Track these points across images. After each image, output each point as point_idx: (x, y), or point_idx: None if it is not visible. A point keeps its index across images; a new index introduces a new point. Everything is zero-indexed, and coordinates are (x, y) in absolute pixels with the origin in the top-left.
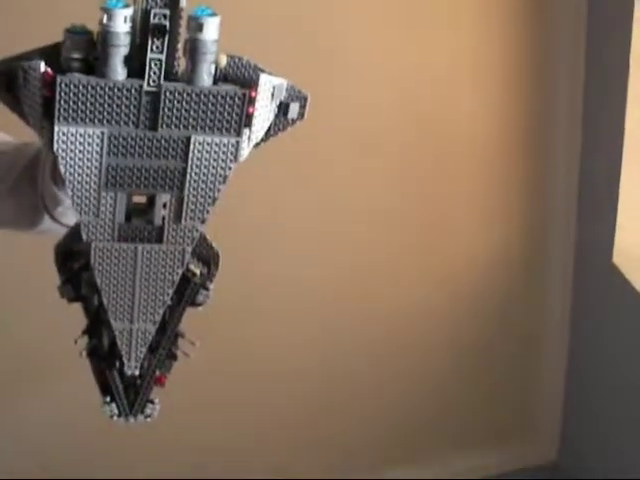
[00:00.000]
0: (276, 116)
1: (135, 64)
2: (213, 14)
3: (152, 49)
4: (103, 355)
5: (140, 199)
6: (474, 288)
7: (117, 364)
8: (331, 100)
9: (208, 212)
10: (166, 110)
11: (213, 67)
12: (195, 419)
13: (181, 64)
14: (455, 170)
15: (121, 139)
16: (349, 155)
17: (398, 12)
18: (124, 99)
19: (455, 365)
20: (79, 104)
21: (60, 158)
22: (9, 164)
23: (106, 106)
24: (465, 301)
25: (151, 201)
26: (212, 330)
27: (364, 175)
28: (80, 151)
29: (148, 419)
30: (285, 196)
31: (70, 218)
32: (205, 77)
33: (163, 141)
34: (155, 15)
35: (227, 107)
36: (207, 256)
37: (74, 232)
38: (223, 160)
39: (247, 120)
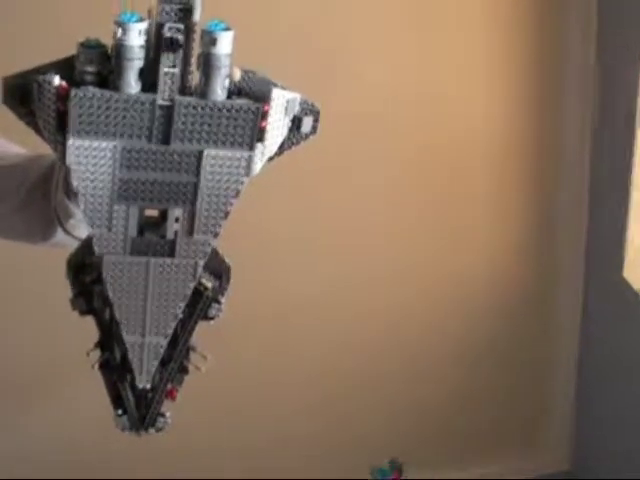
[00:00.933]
0: (289, 130)
1: (149, 77)
2: (227, 28)
3: (166, 63)
4: (115, 368)
5: (152, 212)
6: (485, 298)
7: (129, 377)
8: (342, 106)
9: (220, 226)
10: (179, 124)
11: (227, 81)
12: (202, 424)
13: (194, 78)
14: (466, 179)
15: (134, 153)
16: (363, 159)
17: (408, 16)
18: (137, 113)
19: (467, 373)
20: (93, 117)
21: (73, 171)
22: (22, 176)
23: (120, 119)
24: (476, 311)
25: (163, 215)
26: (222, 342)
27: (378, 179)
28: (93, 164)
29: (159, 432)
30: (300, 204)
31: (82, 231)
32: (219, 91)
33: (176, 155)
34: (169, 29)
35: (240, 121)
36: (219, 270)
37: (86, 245)
38: (235, 174)
39: (260, 134)
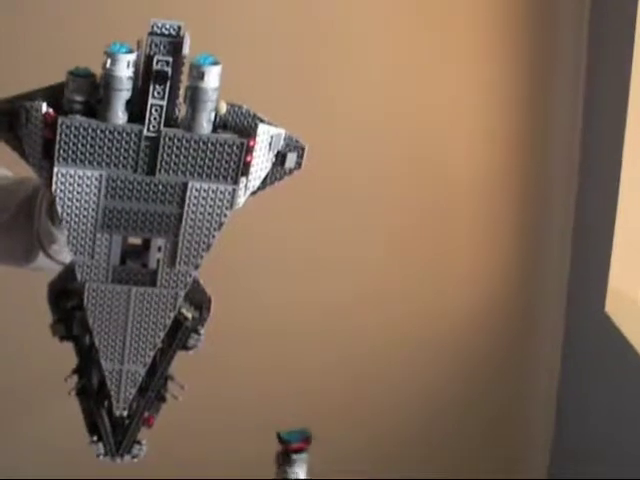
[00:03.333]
0: (273, 165)
1: (136, 108)
2: (215, 62)
3: (153, 95)
4: (92, 395)
5: (135, 240)
6: (464, 332)
7: (106, 404)
8: (329, 141)
9: (202, 257)
10: (165, 156)
11: (213, 114)
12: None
13: (181, 109)
14: (451, 211)
15: (119, 182)
16: (347, 199)
17: (395, 54)
18: (124, 143)
19: (444, 406)
20: (79, 146)
21: (58, 198)
22: (6, 200)
23: (105, 149)
24: (453, 346)
25: (146, 243)
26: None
27: (366, 206)
28: (78, 192)
29: (135, 459)
30: (288, 232)
31: (65, 256)
32: (204, 124)
33: (160, 186)
34: (158, 62)
35: (225, 155)
36: (199, 300)
37: (68, 271)
38: (219, 207)
39: (244, 168)
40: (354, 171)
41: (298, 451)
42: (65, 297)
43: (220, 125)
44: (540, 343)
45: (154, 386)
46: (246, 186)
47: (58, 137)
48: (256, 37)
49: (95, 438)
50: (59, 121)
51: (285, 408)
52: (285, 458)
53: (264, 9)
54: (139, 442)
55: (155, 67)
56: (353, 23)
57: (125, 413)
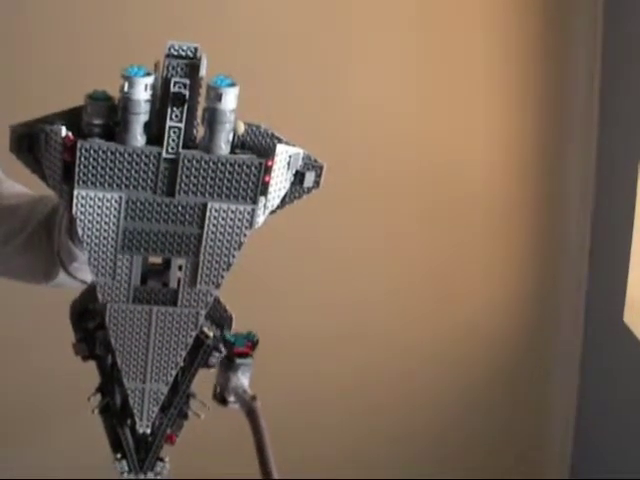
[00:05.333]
0: (292, 184)
1: (154, 130)
2: (232, 84)
3: (171, 117)
4: (115, 413)
5: (156, 260)
6: (482, 342)
7: (129, 421)
8: (341, 154)
9: (223, 277)
10: (184, 177)
11: (231, 135)
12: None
13: (199, 130)
14: (466, 227)
15: (139, 204)
16: (363, 205)
17: (407, 64)
18: (143, 165)
19: (460, 415)
20: (99, 169)
21: (79, 221)
22: (25, 218)
23: (125, 171)
24: (475, 354)
25: (167, 263)
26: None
27: (377, 227)
28: (98, 214)
29: (158, 476)
30: (299, 248)
31: (85, 273)
32: (223, 145)
33: (180, 207)
34: (175, 84)
35: (244, 175)
36: (220, 319)
37: (90, 291)
38: (238, 227)
39: (263, 188)
40: (366, 179)
41: (243, 355)
42: (87, 317)
43: (238, 145)
44: (559, 353)
45: (176, 404)
46: (265, 205)
47: (78, 160)
48: (266, 51)
49: (119, 455)
50: (78, 145)
51: (300, 418)
52: (228, 363)
53: (277, 25)
54: (162, 459)
55: (172, 89)
56: (363, 31)
57: (148, 431)
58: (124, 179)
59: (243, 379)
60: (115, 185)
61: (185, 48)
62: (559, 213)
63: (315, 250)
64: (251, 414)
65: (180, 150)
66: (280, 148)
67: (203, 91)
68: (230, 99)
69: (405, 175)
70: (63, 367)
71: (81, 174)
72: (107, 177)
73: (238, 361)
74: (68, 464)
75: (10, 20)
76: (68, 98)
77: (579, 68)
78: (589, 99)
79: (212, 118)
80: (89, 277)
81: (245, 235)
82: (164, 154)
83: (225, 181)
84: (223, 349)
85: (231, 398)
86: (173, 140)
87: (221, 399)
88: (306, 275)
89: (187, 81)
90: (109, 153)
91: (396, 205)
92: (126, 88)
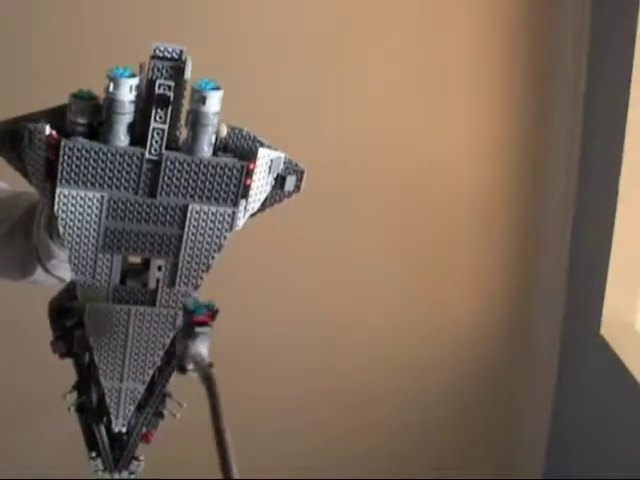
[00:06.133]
0: (273, 188)
1: (138, 130)
2: (216, 87)
3: (155, 119)
4: (91, 411)
5: (135, 259)
6: (462, 347)
7: (104, 420)
8: (333, 152)
9: (202, 278)
10: (166, 178)
11: (213, 138)
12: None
13: (182, 132)
14: (451, 236)
15: (120, 204)
16: (351, 205)
17: (397, 74)
18: (125, 165)
19: (443, 414)
20: (81, 168)
21: (60, 219)
22: (4, 214)
23: (107, 171)
24: (451, 360)
25: (146, 263)
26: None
27: (363, 230)
28: (80, 213)
29: (132, 475)
30: (285, 254)
31: (62, 271)
32: (205, 148)
33: (161, 208)
34: (160, 86)
35: (225, 178)
36: None
37: (68, 290)
38: (219, 229)
39: (244, 191)
40: (355, 179)
41: (202, 324)
42: (65, 315)
43: (220, 147)
44: (536, 365)
45: (153, 403)
46: (245, 208)
47: (61, 159)
48: (258, 52)
49: (94, 454)
50: (62, 143)
51: (289, 416)
52: (188, 331)
53: (268, 28)
54: (137, 458)
55: (157, 91)
56: (354, 36)
57: (124, 429)
58: (107, 179)
59: (202, 347)
60: (97, 184)
61: (170, 50)
62: (540, 222)
63: (305, 249)
64: (208, 380)
65: (163, 151)
66: (262, 152)
67: (187, 93)
68: (214, 102)
69: (390, 176)
70: (39, 364)
71: (64, 173)
72: (90, 176)
73: (197, 329)
74: (43, 463)
75: None
76: (52, 97)
77: (565, 69)
78: (574, 100)
79: (195, 120)
80: (67, 275)
81: (225, 237)
82: (147, 155)
83: (207, 183)
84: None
85: (189, 366)
86: (156, 141)
87: (180, 367)
88: (296, 274)
89: (172, 83)
90: (92, 152)
91: (382, 205)
92: (111, 88)
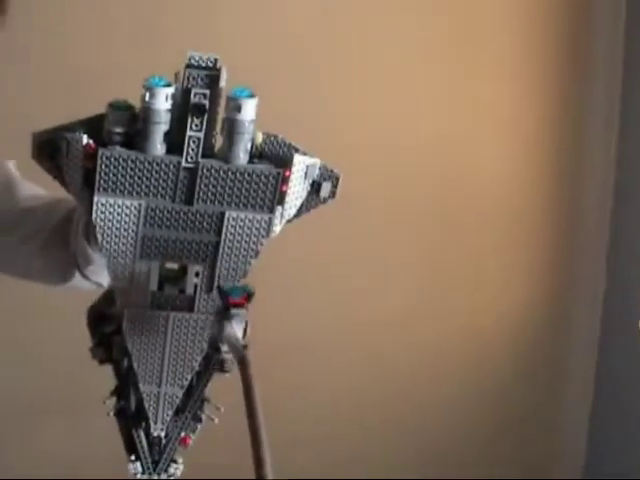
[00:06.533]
0: (308, 194)
1: (174, 139)
2: (251, 95)
3: (191, 127)
4: (130, 416)
5: (172, 265)
6: (500, 345)
7: (143, 424)
8: (353, 166)
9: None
10: (202, 186)
11: (249, 145)
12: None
13: (218, 139)
14: (481, 230)
15: (157, 211)
16: (374, 215)
17: (413, 73)
18: (162, 174)
19: (475, 423)
20: (119, 176)
21: (98, 227)
22: (42, 221)
23: (144, 179)
24: (490, 358)
25: (183, 269)
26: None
27: (388, 234)
28: (117, 221)
29: (171, 478)
30: (309, 258)
31: (100, 276)
32: (241, 155)
33: (198, 215)
34: (195, 94)
35: (262, 185)
36: None
37: (107, 297)
38: (255, 236)
39: (280, 198)
40: (375, 183)
41: (237, 306)
42: (104, 322)
43: (256, 155)
44: (575, 356)
45: (191, 407)
46: (282, 215)
47: (98, 168)
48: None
49: (133, 457)
50: (99, 153)
51: (301, 419)
52: (223, 313)
53: (285, 32)
54: (176, 461)
55: (193, 100)
56: (380, 41)
57: (163, 434)
58: (144, 187)
59: (237, 329)
60: (135, 193)
61: (205, 59)
62: (576, 217)
63: (323, 253)
64: (242, 362)
65: (199, 159)
66: (297, 158)
67: (222, 101)
68: (249, 110)
69: (418, 179)
70: (76, 369)
71: (101, 181)
72: (127, 185)
73: (233, 311)
74: (68, 463)
75: (33, 26)
76: (87, 106)
77: (598, 68)
78: (609, 100)
79: (231, 128)
80: (104, 280)
81: (262, 244)
82: (184, 163)
83: (243, 190)
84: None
85: (224, 347)
86: (192, 149)
87: (214, 348)
88: (313, 278)
89: (207, 92)
90: (129, 161)
91: (411, 209)
92: (147, 98)
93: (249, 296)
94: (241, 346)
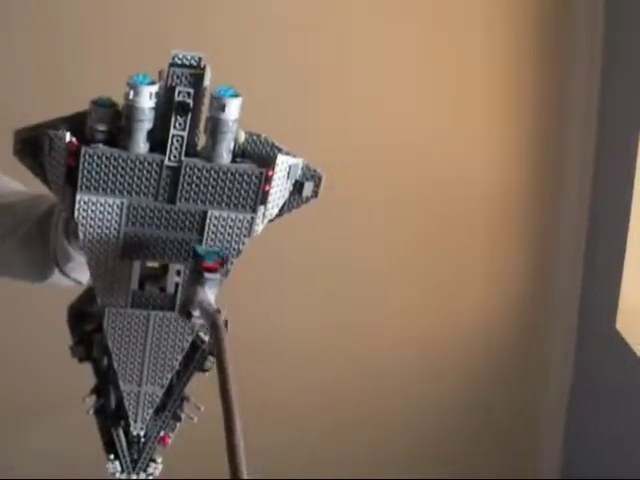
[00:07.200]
0: (290, 194)
1: (157, 137)
2: (235, 94)
3: (175, 126)
4: (109, 414)
5: (153, 264)
6: (476, 347)
7: (122, 423)
8: (346, 158)
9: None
10: (185, 185)
11: (232, 144)
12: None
13: (201, 138)
14: (459, 231)
15: (140, 210)
16: (365, 213)
17: (406, 71)
18: (145, 172)
19: (454, 424)
20: (102, 175)
21: (80, 225)
22: (21, 217)
23: (127, 178)
24: (467, 360)
25: (164, 267)
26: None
27: (380, 232)
28: (100, 219)
29: (150, 477)
30: (298, 258)
31: (79, 273)
32: (224, 155)
33: (180, 214)
34: (179, 93)
35: (244, 185)
36: None
37: (87, 295)
38: (237, 235)
39: (263, 198)
40: (369, 184)
41: (211, 270)
42: (85, 320)
43: (239, 153)
44: (551, 358)
45: (170, 406)
46: (264, 214)
47: (81, 166)
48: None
49: (112, 456)
50: (82, 150)
51: (298, 419)
52: (196, 277)
53: (276, 28)
54: (155, 460)
55: (177, 98)
56: (366, 40)
57: (142, 433)
58: (126, 185)
59: (209, 293)
60: (117, 191)
61: (189, 57)
62: (554, 217)
63: (318, 254)
64: (214, 326)
65: (182, 158)
66: (280, 158)
67: (206, 100)
68: (233, 109)
69: (404, 180)
70: (55, 366)
71: (84, 179)
72: (110, 183)
73: (206, 275)
74: (56, 463)
75: (12, 23)
76: (71, 104)
77: (579, 70)
78: (589, 103)
79: (215, 128)
80: (84, 277)
81: (244, 243)
82: (167, 162)
83: (226, 189)
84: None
85: (196, 312)
86: (176, 148)
87: (186, 313)
88: (305, 278)
89: (191, 90)
90: (112, 159)
91: (395, 209)
92: (131, 96)
93: (223, 261)
94: (213, 310)
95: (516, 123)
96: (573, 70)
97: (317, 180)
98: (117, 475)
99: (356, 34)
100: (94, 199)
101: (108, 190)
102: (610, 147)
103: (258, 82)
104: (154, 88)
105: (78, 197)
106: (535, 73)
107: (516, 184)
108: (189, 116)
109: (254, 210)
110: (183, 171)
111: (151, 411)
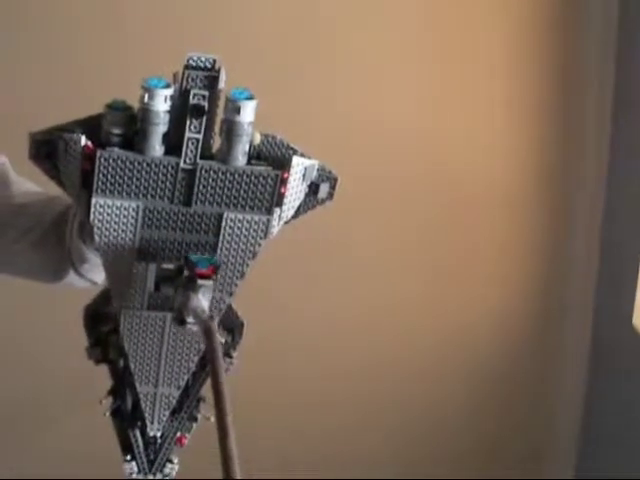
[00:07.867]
0: (306, 195)
1: (172, 140)
2: (250, 97)
3: (190, 128)
4: (126, 416)
5: (169, 265)
6: (490, 342)
7: (139, 424)
8: (352, 158)
9: (236, 285)
10: (201, 187)
11: (247, 146)
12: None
13: (216, 140)
14: (473, 224)
15: (156, 213)
16: (367, 212)
17: (412, 73)
18: (161, 175)
19: (464, 419)
20: (117, 178)
21: (96, 228)
22: (36, 218)
23: (143, 181)
24: (479, 355)
25: (180, 269)
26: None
27: (379, 227)
28: (116, 222)
29: (167, 478)
30: (305, 256)
31: (94, 274)
32: (240, 157)
33: (196, 216)
34: (194, 95)
35: (260, 187)
36: (232, 325)
37: (103, 296)
38: (253, 237)
39: (278, 200)
40: (375, 180)
41: (204, 277)
42: (100, 322)
43: (254, 155)
44: (567, 355)
45: (187, 407)
46: (280, 216)
47: (97, 169)
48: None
49: (128, 457)
50: (98, 154)
51: (300, 418)
52: (190, 284)
53: (282, 32)
54: (171, 461)
55: (192, 101)
56: (369, 40)
57: (159, 434)
58: (142, 188)
59: (203, 300)
60: (133, 194)
61: (204, 60)
62: (569, 213)
63: (320, 252)
64: (207, 333)
65: (198, 161)
66: (296, 160)
67: (221, 102)
68: (248, 112)
69: (412, 179)
70: (70, 368)
71: (100, 183)
72: (125, 186)
73: (199, 282)
74: (71, 463)
75: (29, 25)
76: (85, 105)
77: (589, 69)
78: (602, 94)
79: (230, 130)
80: (99, 277)
81: (260, 245)
82: (182, 164)
83: (241, 192)
84: (234, 355)
85: (189, 319)
86: (191, 151)
87: (180, 320)
88: (312, 277)
89: (206, 93)
90: (128, 162)
91: (400, 207)
92: (146, 99)
93: (216, 267)
94: (207, 317)
95: (525, 116)
96: (586, 66)
97: (332, 182)
98: (134, 476)
99: (358, 34)
100: (110, 202)
101: (124, 193)
102: (623, 138)
103: (266, 83)
104: (169, 91)
105: (94, 200)
106: (543, 68)
107: (529, 178)
108: (204, 119)
109: (270, 212)
110: (198, 174)
111: (167, 412)
